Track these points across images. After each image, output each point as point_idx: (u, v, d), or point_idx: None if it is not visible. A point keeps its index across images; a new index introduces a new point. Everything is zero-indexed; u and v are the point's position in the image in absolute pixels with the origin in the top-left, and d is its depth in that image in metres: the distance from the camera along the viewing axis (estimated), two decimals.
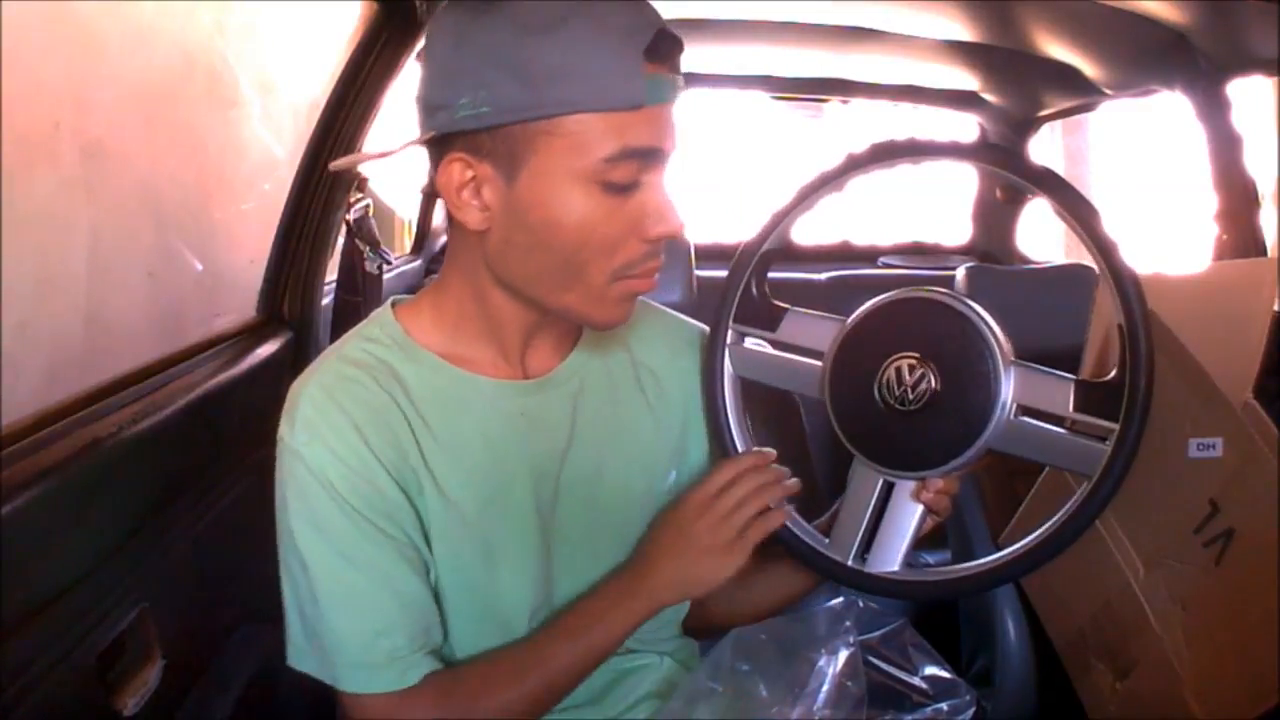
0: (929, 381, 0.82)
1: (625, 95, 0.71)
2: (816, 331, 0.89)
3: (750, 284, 0.92)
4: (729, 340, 0.92)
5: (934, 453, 0.83)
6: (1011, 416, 0.81)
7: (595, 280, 0.77)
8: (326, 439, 0.78)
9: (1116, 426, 0.78)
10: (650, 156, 0.74)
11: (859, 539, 0.87)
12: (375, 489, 0.78)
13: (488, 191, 0.75)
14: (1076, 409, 0.80)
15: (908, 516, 0.86)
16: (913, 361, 0.83)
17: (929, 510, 0.85)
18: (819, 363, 0.88)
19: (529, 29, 0.70)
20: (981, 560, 0.85)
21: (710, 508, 0.84)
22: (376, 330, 0.84)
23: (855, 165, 0.88)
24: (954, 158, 0.87)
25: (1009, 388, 0.81)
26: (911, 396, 0.82)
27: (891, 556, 0.86)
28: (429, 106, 0.75)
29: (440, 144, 0.76)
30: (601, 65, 0.70)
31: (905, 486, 0.86)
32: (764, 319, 0.91)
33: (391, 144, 0.82)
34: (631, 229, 0.76)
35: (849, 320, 0.87)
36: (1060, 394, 0.81)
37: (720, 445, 0.92)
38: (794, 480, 0.87)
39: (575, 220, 0.74)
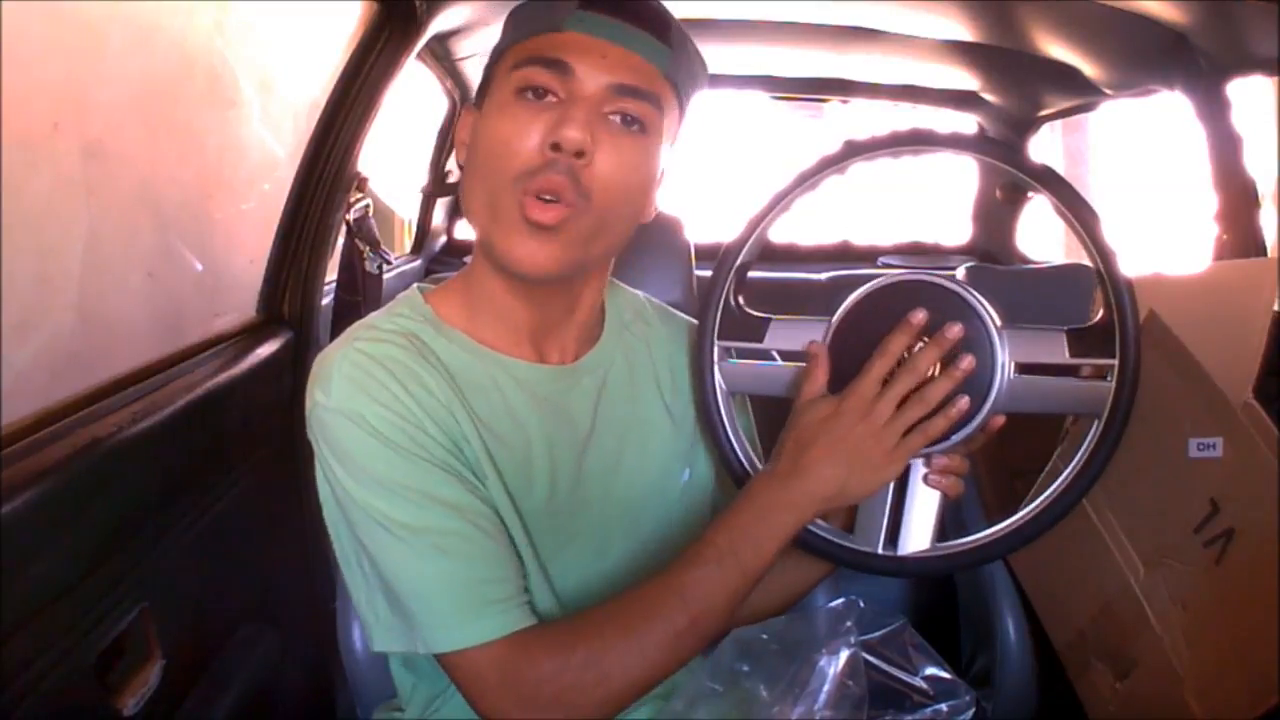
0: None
1: (546, 23, 0.81)
2: (805, 334, 0.87)
3: (729, 297, 0.90)
4: (716, 357, 0.90)
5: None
6: (1011, 375, 0.82)
7: (501, 192, 0.78)
8: (370, 390, 0.76)
9: (1114, 361, 0.79)
10: (555, 68, 0.78)
11: (884, 528, 0.87)
12: (427, 434, 0.77)
13: (473, 134, 0.83)
14: (1072, 355, 0.81)
15: (931, 495, 0.86)
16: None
17: (938, 490, 0.85)
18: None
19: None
20: (1017, 515, 0.85)
21: (871, 411, 0.80)
22: (405, 309, 0.85)
23: (828, 164, 0.88)
24: (910, 147, 0.87)
25: (1004, 350, 0.82)
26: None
27: (922, 538, 0.86)
28: None
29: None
30: (538, 6, 0.82)
31: (922, 467, 0.86)
32: (749, 331, 0.89)
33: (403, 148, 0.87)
34: (539, 139, 0.77)
35: (834, 318, 0.86)
36: (1054, 345, 0.82)
37: (726, 464, 0.91)
38: (969, 359, 0.81)
39: (497, 128, 0.79)
